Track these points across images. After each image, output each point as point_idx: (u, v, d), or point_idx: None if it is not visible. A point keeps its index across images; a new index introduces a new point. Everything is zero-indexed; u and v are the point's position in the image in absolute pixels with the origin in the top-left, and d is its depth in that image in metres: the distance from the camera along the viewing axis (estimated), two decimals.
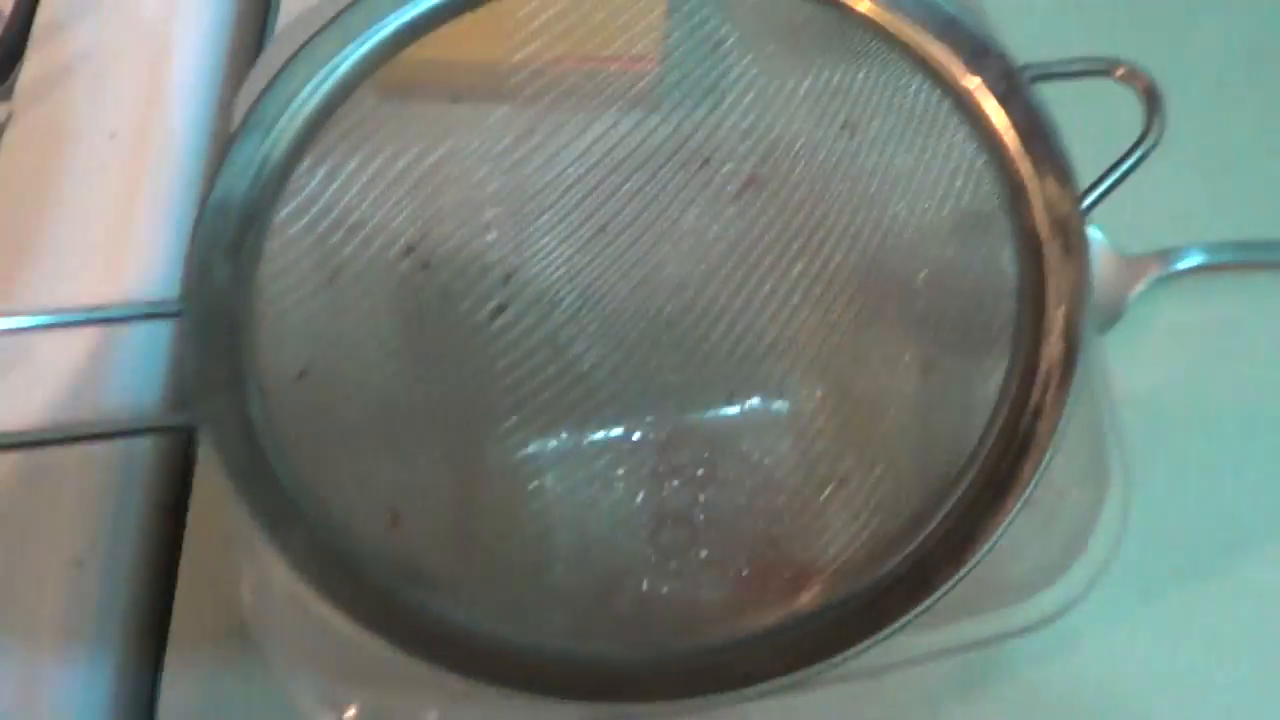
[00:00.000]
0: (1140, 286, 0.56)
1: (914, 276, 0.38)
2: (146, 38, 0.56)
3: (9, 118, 0.54)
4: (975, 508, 0.33)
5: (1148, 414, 0.52)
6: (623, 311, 0.40)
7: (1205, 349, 0.55)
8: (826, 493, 0.36)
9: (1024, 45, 0.38)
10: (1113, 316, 0.56)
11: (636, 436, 0.39)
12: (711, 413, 0.40)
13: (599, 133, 0.41)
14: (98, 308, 0.36)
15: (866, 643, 0.31)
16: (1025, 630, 0.35)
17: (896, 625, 0.31)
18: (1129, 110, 0.39)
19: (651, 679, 0.32)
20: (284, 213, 0.37)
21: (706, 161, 0.41)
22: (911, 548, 0.33)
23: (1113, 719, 0.43)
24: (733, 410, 0.40)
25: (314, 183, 0.38)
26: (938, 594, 0.31)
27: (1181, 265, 0.55)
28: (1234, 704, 0.43)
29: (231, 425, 0.34)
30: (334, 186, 0.39)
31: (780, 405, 0.39)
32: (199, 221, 0.35)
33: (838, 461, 0.37)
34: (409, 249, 0.40)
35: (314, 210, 0.38)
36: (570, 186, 0.41)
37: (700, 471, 0.39)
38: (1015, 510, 0.32)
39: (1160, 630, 0.45)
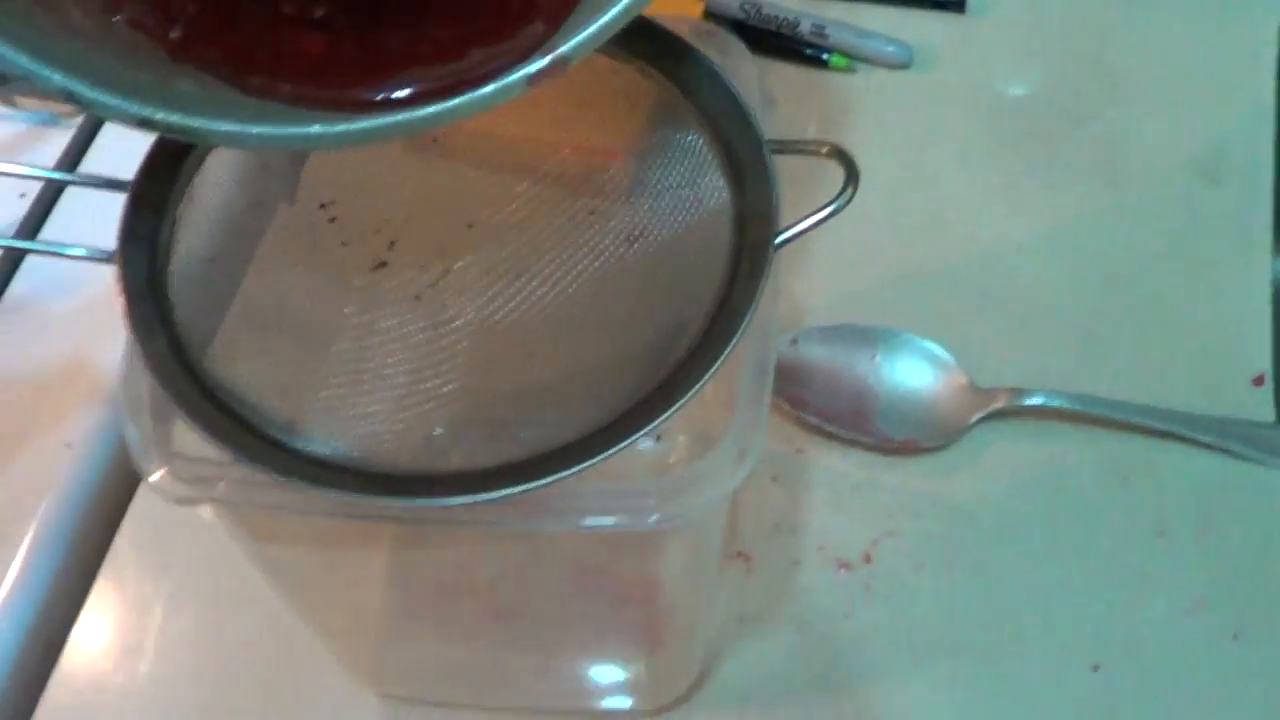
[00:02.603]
0: (983, 414, 0.67)
1: (674, 262, 0.50)
2: None
3: None
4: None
5: (961, 518, 0.64)
6: (472, 284, 0.54)
7: (1027, 479, 0.66)
8: None
9: None
10: (954, 434, 0.67)
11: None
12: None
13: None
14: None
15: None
16: None
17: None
18: None
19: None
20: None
21: (593, 212, 0.54)
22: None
23: None
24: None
25: None
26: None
27: (1024, 403, 0.66)
28: None
29: (139, 267, 0.48)
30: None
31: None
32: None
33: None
34: (323, 204, 0.54)
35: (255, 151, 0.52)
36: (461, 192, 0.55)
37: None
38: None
39: None
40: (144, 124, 0.37)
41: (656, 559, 0.58)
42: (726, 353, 0.42)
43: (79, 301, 0.74)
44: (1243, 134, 0.81)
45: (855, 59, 0.84)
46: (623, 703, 0.62)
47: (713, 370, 0.42)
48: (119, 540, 0.68)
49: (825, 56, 0.83)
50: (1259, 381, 0.70)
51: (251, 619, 0.65)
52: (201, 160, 0.48)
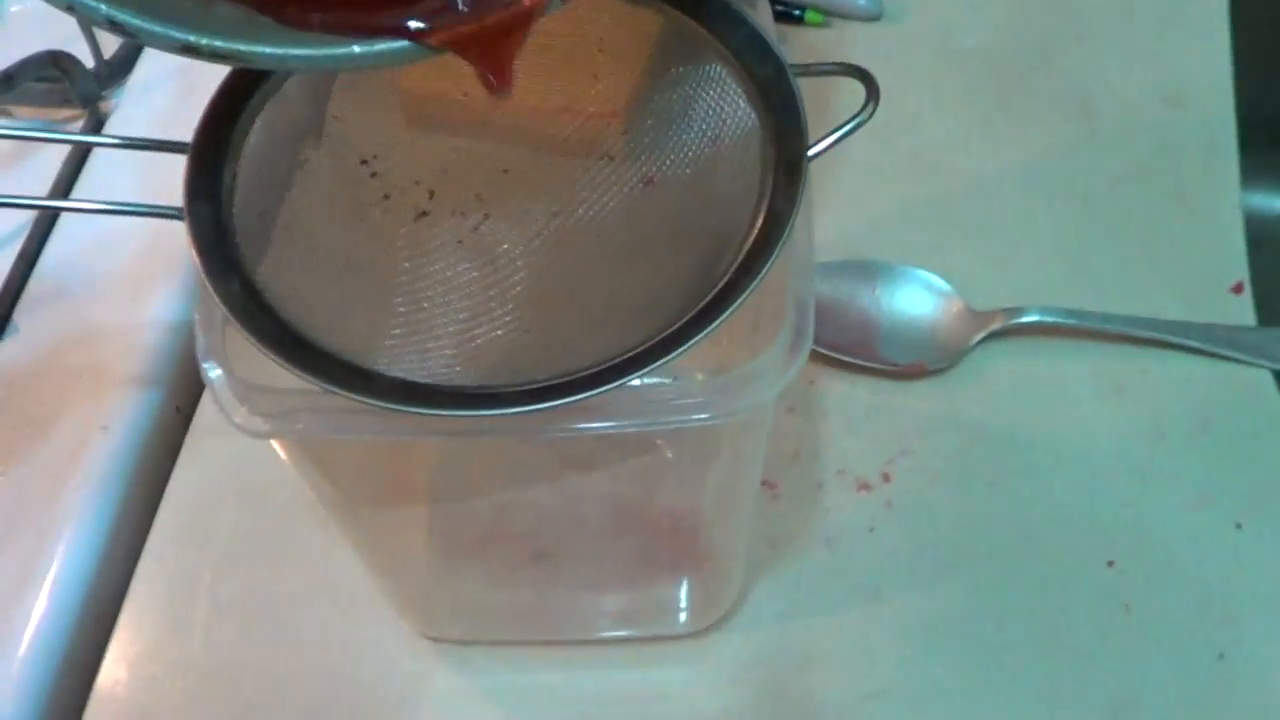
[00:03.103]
0: (982, 335, 0.70)
1: (706, 186, 0.52)
2: None
3: None
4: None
5: (970, 434, 0.67)
6: (513, 226, 0.57)
7: (1029, 393, 0.69)
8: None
9: None
10: (956, 356, 0.70)
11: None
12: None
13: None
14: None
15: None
16: None
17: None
18: None
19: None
20: (272, 105, 0.53)
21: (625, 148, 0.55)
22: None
23: None
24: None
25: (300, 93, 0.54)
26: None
27: (1020, 320, 0.70)
28: None
29: (206, 220, 0.50)
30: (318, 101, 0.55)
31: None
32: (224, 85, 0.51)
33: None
34: (363, 160, 0.57)
35: (297, 112, 0.55)
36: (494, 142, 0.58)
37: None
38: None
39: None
40: (188, 50, 0.39)
41: (694, 492, 0.61)
42: (777, 251, 0.45)
43: (106, 286, 0.76)
44: (1201, 59, 0.85)
45: (828, 14, 0.87)
46: (666, 628, 0.64)
47: (766, 268, 0.45)
48: (160, 517, 0.70)
49: (798, 13, 0.87)
50: (1238, 289, 0.74)
51: (299, 580, 0.68)
52: (253, 119, 0.50)
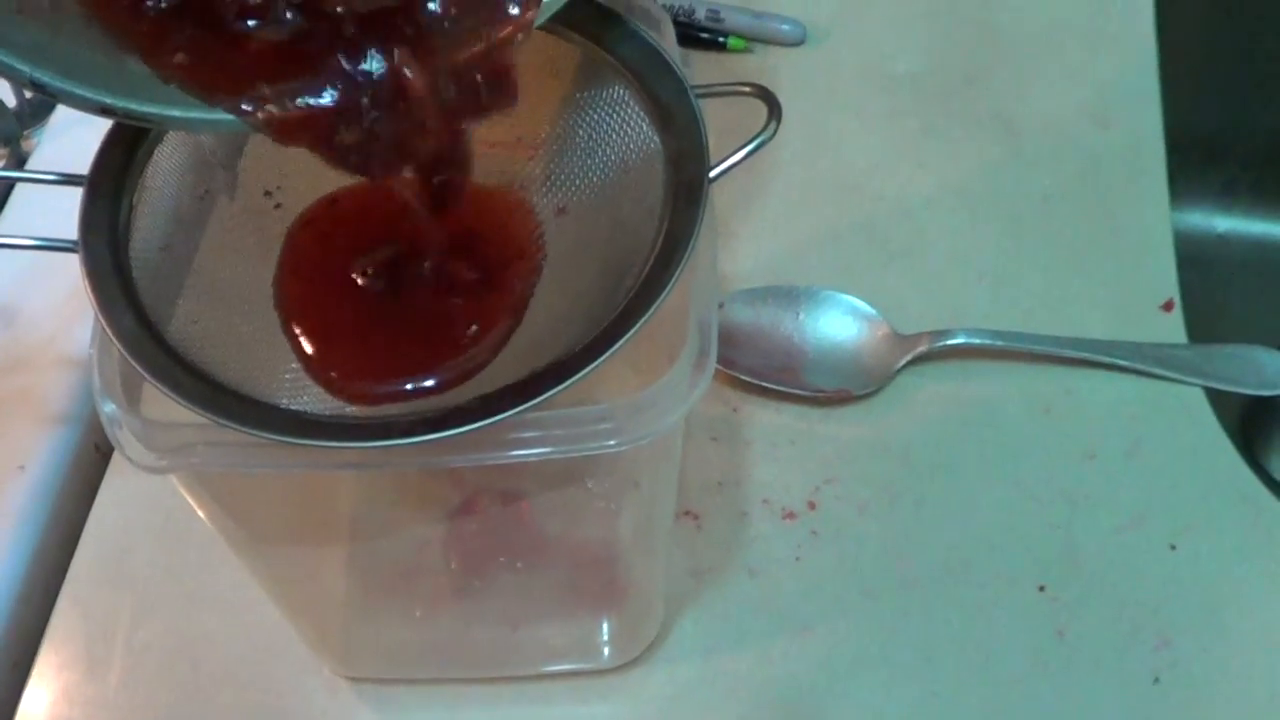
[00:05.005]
0: (907, 358, 0.69)
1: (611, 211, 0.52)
2: None
3: None
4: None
5: (897, 459, 0.66)
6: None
7: (956, 417, 0.69)
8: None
9: None
10: (882, 381, 0.69)
11: None
12: None
13: None
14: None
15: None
16: None
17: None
18: None
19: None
20: (171, 136, 0.52)
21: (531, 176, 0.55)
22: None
23: None
24: None
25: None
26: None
27: (945, 343, 0.69)
28: None
29: (101, 253, 0.49)
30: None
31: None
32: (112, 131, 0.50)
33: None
34: (267, 191, 0.56)
35: (198, 144, 0.54)
36: None
37: None
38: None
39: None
40: (104, 111, 0.41)
41: (612, 523, 0.60)
42: (677, 274, 0.44)
43: (26, 321, 0.75)
44: (1128, 77, 0.85)
45: (752, 39, 0.87)
46: (589, 663, 0.63)
47: (665, 292, 0.44)
48: (78, 558, 0.68)
49: (723, 40, 0.86)
50: (1168, 307, 0.73)
51: (216, 620, 0.66)
52: (151, 153, 0.50)
